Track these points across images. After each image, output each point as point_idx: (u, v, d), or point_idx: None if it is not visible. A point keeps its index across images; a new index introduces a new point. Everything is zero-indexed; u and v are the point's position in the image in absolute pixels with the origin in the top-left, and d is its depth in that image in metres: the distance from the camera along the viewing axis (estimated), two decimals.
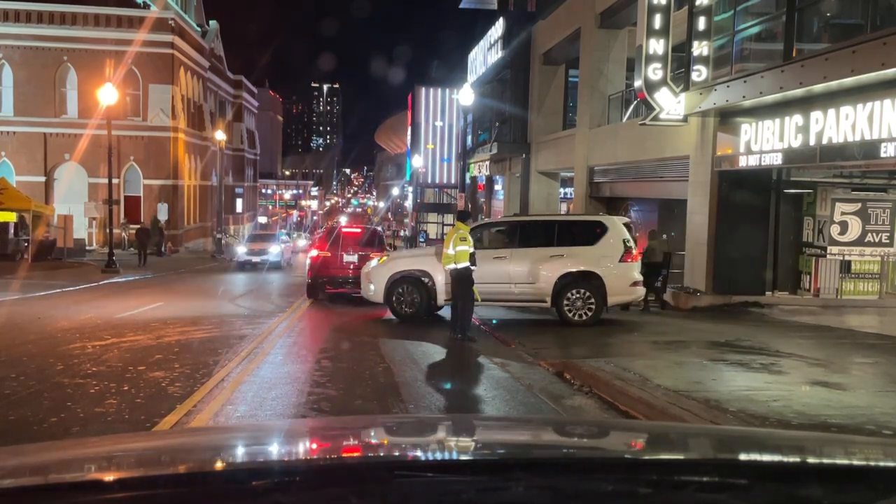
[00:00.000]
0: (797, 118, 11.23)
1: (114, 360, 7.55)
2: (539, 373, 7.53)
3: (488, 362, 8.28)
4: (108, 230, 36.51)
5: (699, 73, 13.68)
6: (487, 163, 33.75)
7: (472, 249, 9.59)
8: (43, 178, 36.75)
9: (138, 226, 30.41)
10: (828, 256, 14.22)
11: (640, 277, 11.34)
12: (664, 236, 18.07)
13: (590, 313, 11.03)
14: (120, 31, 35.92)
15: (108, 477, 1.38)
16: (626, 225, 12.02)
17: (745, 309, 13.30)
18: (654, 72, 13.89)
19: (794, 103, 11.21)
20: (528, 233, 11.99)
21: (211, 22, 50.21)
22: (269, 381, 6.86)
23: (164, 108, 37.09)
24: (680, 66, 14.58)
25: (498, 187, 37.26)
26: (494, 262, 11.20)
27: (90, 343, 8.55)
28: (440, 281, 10.96)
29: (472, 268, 9.61)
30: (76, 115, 36.51)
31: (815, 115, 10.79)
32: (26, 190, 34.56)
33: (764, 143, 12.04)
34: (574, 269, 11.15)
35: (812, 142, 10.90)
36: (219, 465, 1.49)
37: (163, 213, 36.02)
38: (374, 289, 11.33)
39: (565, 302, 11.08)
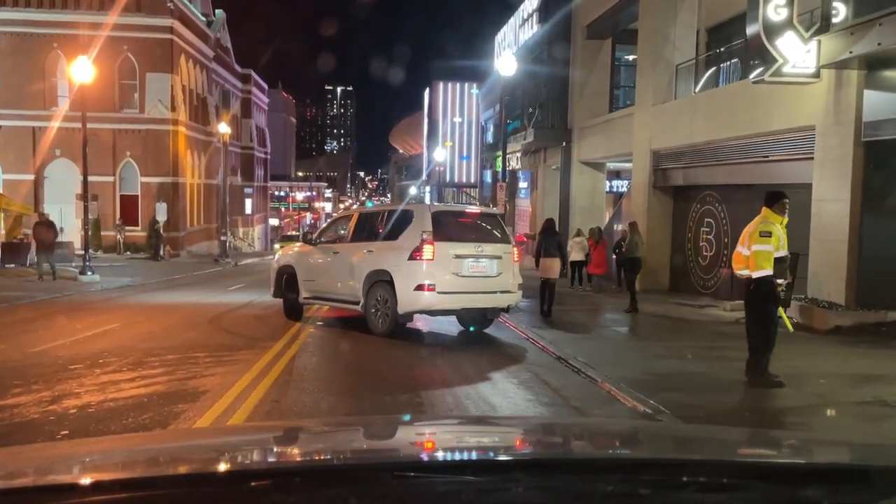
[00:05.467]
0: None
1: None
2: None
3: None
4: (101, 232, 34.04)
5: (837, 13, 10.14)
6: (518, 155, 30.20)
7: (775, 251, 6.27)
8: (32, 177, 33.72)
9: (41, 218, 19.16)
10: None
11: (427, 281, 8.99)
12: None
13: (385, 321, 9.34)
14: (114, 16, 32.74)
15: (108, 477, 1.34)
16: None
17: None
18: (777, 11, 10.36)
19: None
20: (359, 226, 10.60)
21: (217, 11, 47.08)
22: None
23: (163, 98, 33.92)
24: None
25: (523, 185, 33.57)
26: (329, 257, 10.60)
27: None
28: (301, 275, 10.92)
29: (781, 281, 6.40)
30: (68, 107, 33.34)
31: None
32: (14, 189, 31.59)
33: None
34: (375, 268, 9.55)
35: None
36: (218, 465, 1.46)
37: (161, 214, 32.79)
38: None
39: (371, 306, 9.51)
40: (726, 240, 15.14)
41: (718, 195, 15.48)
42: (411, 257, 9.07)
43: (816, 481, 1.34)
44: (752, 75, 12.02)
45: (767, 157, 12.88)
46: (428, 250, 8.97)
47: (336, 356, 8.55)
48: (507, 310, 9.98)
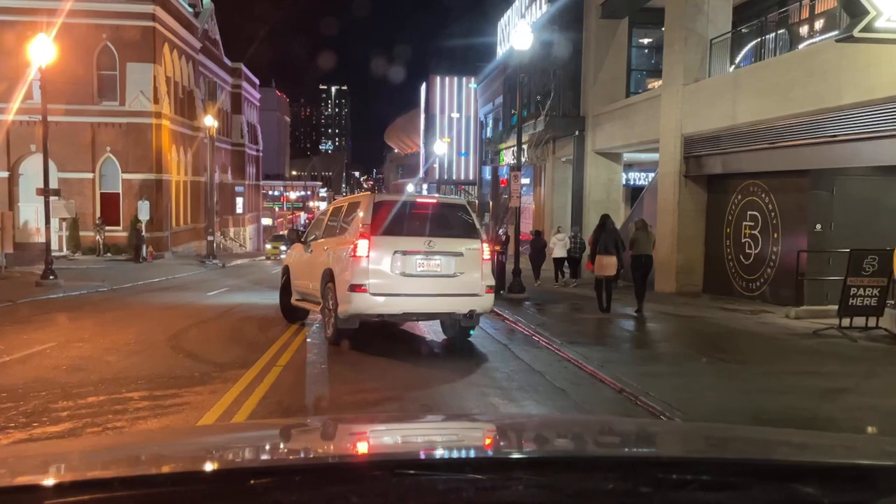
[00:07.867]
0: None
1: None
2: None
3: None
4: (79, 232, 31.96)
5: None
6: (524, 147, 28.25)
7: None
8: (6, 174, 31.70)
9: None
10: None
11: (360, 281, 7.90)
12: (817, 227, 12.58)
13: (332, 327, 8.36)
14: (91, 1, 30.69)
15: (108, 475, 1.32)
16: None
17: None
18: None
19: None
20: (329, 221, 9.62)
21: (205, 1, 44.93)
22: None
23: (145, 90, 31.85)
24: None
25: (525, 181, 31.61)
26: (307, 256, 9.80)
27: None
28: (291, 275, 10.27)
29: None
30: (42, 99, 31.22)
31: None
32: None
33: None
34: (326, 267, 8.63)
35: None
36: (218, 463, 1.44)
37: (144, 213, 30.73)
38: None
39: (326, 308, 8.59)
40: (775, 235, 13.23)
41: (765, 184, 13.53)
42: (350, 254, 7.98)
43: (816, 480, 1.30)
44: (810, 39, 10.08)
45: (835, 136, 10.94)
46: (362, 246, 7.86)
47: (326, 392, 6.53)
48: (470, 315, 8.29)
